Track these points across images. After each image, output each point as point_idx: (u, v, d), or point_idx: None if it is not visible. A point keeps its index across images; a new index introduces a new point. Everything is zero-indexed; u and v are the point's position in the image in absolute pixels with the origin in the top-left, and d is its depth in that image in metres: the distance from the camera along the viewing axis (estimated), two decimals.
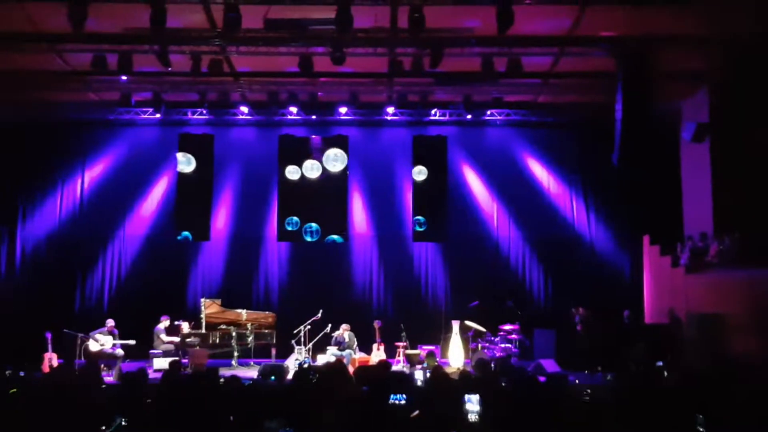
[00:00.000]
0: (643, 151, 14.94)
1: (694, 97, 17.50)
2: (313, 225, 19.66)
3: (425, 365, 15.00)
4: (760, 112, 15.24)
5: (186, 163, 19.41)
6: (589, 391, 8.96)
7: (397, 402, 7.69)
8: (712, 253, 15.67)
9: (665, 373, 12.04)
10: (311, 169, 19.72)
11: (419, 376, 11.60)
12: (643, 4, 13.32)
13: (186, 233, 19.29)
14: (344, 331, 17.05)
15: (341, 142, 19.74)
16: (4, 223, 19.39)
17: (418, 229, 19.52)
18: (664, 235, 17.96)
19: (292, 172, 19.66)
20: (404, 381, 9.38)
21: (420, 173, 19.50)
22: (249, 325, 17.51)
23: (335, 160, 19.75)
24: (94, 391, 8.51)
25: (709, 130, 16.80)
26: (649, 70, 14.82)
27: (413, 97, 18.47)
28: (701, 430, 6.80)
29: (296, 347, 16.53)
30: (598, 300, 18.24)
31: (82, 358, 15.88)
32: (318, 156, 19.75)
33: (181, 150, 19.42)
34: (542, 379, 9.59)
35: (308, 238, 19.68)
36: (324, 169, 19.73)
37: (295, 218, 19.65)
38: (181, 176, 19.41)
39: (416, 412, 7.19)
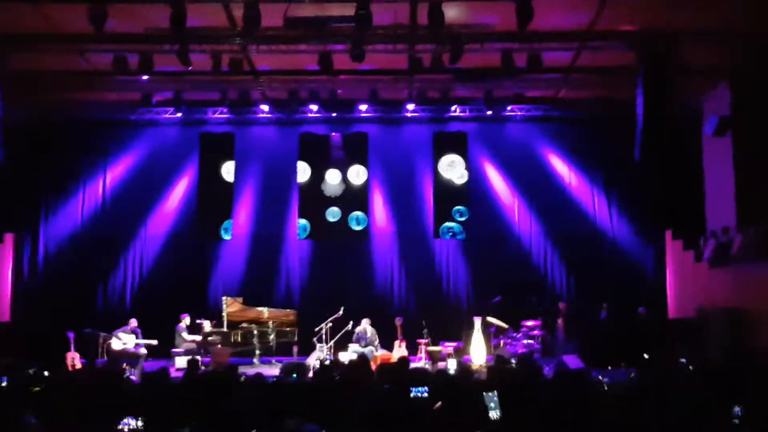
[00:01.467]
0: (665, 146, 14.86)
1: (715, 90, 17.35)
2: (359, 213, 19.80)
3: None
4: None
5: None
6: (606, 388, 8.89)
7: (419, 395, 7.67)
8: (736, 247, 15.55)
9: (690, 368, 11.95)
10: (356, 176, 19.90)
11: (452, 365, 11.61)
12: None
13: (227, 224, 19.66)
14: (366, 326, 17.03)
15: (361, 139, 19.78)
16: (27, 224, 19.53)
17: (460, 219, 19.58)
18: (687, 230, 17.86)
19: (333, 177, 19.83)
20: (425, 377, 9.34)
21: (461, 177, 19.70)
22: (270, 323, 17.56)
23: None
24: (116, 388, 8.54)
25: (730, 124, 16.65)
26: (671, 64, 14.72)
27: (433, 94, 18.44)
28: (736, 422, 6.73)
29: (318, 345, 16.53)
30: (620, 295, 18.19)
31: (105, 357, 15.98)
32: (339, 154, 19.85)
33: (202, 150, 19.55)
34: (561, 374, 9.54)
35: (355, 227, 19.95)
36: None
37: (336, 208, 19.75)
38: (202, 176, 19.52)
39: (439, 404, 7.17)
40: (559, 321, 17.39)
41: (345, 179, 20.07)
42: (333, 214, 19.92)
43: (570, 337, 17.00)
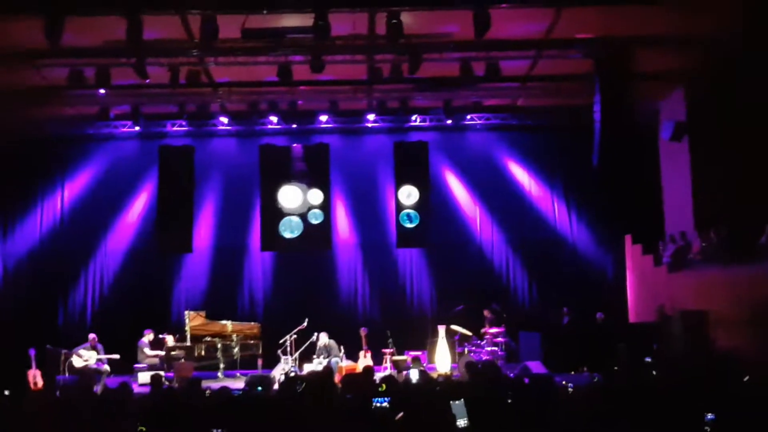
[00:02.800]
0: (622, 152, 15.03)
1: (671, 96, 17.61)
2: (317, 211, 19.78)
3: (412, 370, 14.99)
4: (737, 109, 15.36)
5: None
6: (570, 390, 8.95)
7: (380, 405, 7.63)
8: (694, 251, 15.76)
9: (653, 372, 12.07)
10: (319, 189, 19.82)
11: (414, 376, 11.62)
12: (618, 5, 13.37)
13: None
14: (324, 339, 16.94)
15: (322, 151, 19.73)
16: None
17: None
18: (646, 235, 18.06)
19: (295, 189, 19.69)
20: (392, 383, 9.31)
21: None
22: (234, 337, 17.44)
23: None
24: (85, 405, 8.42)
25: (686, 129, 16.90)
26: (626, 70, 14.91)
27: (393, 104, 18.50)
28: (707, 429, 6.77)
29: (282, 357, 16.45)
30: (581, 300, 18.36)
31: (67, 374, 15.75)
32: (300, 165, 19.72)
33: (161, 163, 19.30)
34: (526, 380, 9.57)
35: (313, 221, 19.76)
36: None
37: (318, 211, 19.64)
38: (162, 189, 19.30)
39: (401, 414, 7.15)
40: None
41: (307, 191, 19.85)
42: (315, 215, 19.74)
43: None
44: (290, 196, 19.49)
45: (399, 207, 19.53)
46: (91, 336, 16.49)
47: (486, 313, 17.71)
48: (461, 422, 7.10)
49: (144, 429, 7.55)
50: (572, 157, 18.94)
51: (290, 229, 19.55)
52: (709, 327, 14.50)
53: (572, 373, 15.55)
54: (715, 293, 14.58)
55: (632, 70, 15.05)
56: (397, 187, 19.53)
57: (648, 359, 14.34)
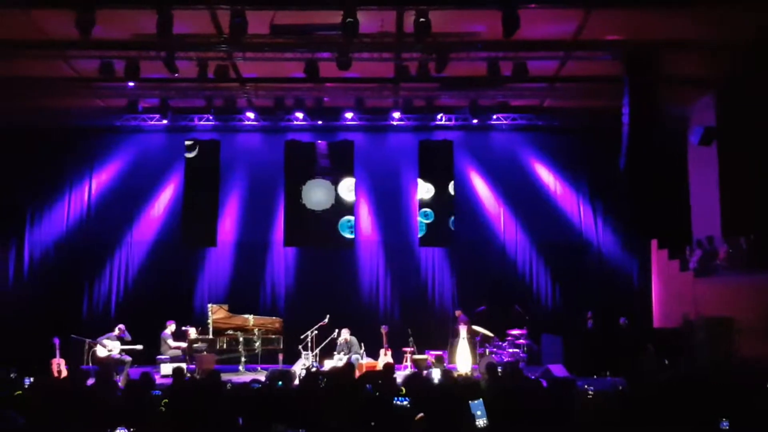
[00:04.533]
0: (650, 155, 14.93)
1: (701, 101, 17.46)
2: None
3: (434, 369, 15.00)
4: (767, 115, 15.23)
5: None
6: (590, 395, 8.89)
7: (400, 404, 7.61)
8: (721, 257, 15.64)
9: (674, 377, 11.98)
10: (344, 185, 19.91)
11: (436, 375, 11.64)
12: (648, 8, 13.27)
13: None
14: (345, 335, 16.97)
15: (347, 148, 19.75)
16: (12, 230, 19.47)
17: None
18: (672, 240, 17.93)
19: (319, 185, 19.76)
20: (414, 381, 9.31)
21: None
22: (256, 331, 17.52)
23: None
24: (107, 395, 8.49)
25: (716, 134, 16.76)
26: (656, 74, 14.80)
27: (419, 102, 18.48)
28: None
29: (303, 352, 16.50)
30: (606, 304, 18.25)
31: (90, 364, 15.87)
32: (324, 161, 19.77)
33: (188, 157, 19.41)
34: (545, 383, 9.54)
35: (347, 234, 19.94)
36: None
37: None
38: (188, 182, 19.39)
39: (420, 415, 7.15)
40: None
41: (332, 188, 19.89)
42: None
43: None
44: (346, 191, 19.76)
45: (446, 203, 19.60)
46: (118, 327, 16.56)
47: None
48: (480, 422, 7.09)
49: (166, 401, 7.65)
50: (599, 159, 18.86)
51: (350, 229, 19.66)
52: (734, 334, 14.41)
53: (594, 377, 15.44)
54: (741, 300, 14.50)
55: (662, 74, 14.95)
56: (446, 183, 19.63)
57: (670, 364, 14.25)
